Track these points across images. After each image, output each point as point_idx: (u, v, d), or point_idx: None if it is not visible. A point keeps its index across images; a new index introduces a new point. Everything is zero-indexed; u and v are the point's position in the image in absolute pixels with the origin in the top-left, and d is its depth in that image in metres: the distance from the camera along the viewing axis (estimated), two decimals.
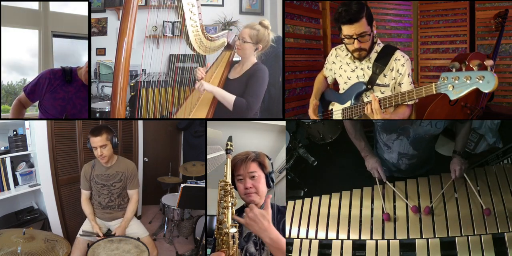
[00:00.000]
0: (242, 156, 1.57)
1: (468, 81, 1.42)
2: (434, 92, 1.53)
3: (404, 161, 2.00)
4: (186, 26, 2.02)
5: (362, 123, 2.02)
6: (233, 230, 1.40)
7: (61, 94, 2.08)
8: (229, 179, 1.48)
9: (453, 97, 1.47)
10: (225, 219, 1.41)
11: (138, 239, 2.15)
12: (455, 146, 1.91)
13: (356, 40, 1.73)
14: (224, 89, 2.21)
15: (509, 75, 3.10)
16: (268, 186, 1.55)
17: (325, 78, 2.17)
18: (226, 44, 2.59)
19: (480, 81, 1.39)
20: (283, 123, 2.64)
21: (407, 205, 1.84)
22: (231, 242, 1.39)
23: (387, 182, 1.94)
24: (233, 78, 2.30)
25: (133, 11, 1.58)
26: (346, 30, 1.73)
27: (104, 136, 2.18)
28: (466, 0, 3.23)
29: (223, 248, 1.41)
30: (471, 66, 1.42)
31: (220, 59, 2.67)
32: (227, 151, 1.54)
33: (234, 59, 2.56)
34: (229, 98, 2.13)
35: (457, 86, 1.45)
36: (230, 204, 1.43)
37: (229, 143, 1.56)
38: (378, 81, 1.84)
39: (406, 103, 1.76)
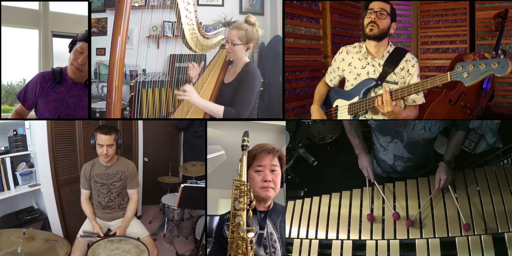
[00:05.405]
0: (268, 146, 1.48)
1: (482, 68, 1.48)
2: (449, 80, 1.58)
3: (400, 163, 2.00)
4: (182, 24, 2.00)
5: (359, 120, 2.03)
6: (251, 235, 1.31)
7: (53, 96, 2.07)
8: (244, 178, 1.38)
9: (467, 83, 1.53)
10: (241, 222, 1.32)
11: (138, 239, 2.14)
12: (445, 154, 1.89)
13: (375, 13, 1.87)
14: (218, 94, 2.17)
15: (509, 75, 3.09)
16: (281, 185, 1.48)
17: (327, 84, 2.17)
18: (223, 41, 2.58)
19: (495, 67, 1.46)
20: (283, 123, 2.64)
21: (407, 205, 1.85)
22: (249, 248, 1.30)
23: (375, 182, 1.95)
24: (227, 82, 2.26)
25: (126, 9, 1.58)
26: (372, 4, 1.89)
27: (113, 135, 2.19)
28: (466, 0, 3.23)
29: (238, 254, 1.31)
30: (486, 56, 1.45)
31: (217, 58, 2.65)
32: (243, 147, 1.43)
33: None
34: (217, 111, 2.06)
35: (472, 73, 1.51)
36: (246, 206, 1.34)
37: (245, 138, 1.45)
38: (388, 78, 1.88)
39: (414, 104, 1.87)
